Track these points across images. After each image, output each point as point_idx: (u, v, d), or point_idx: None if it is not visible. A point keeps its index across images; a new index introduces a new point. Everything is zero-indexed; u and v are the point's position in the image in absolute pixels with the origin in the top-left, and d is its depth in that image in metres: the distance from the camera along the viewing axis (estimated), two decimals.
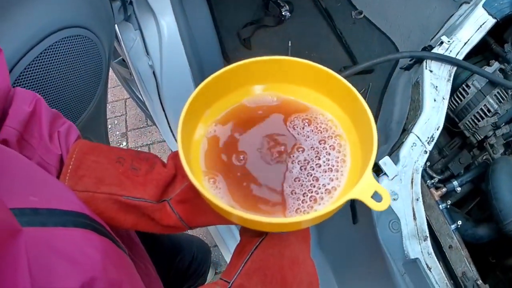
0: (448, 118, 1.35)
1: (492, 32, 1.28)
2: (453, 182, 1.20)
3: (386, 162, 1.01)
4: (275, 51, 1.80)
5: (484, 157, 1.27)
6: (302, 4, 1.95)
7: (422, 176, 1.18)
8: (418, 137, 1.06)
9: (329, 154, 0.49)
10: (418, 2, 1.68)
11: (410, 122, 1.12)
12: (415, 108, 1.15)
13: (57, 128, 0.53)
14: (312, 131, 0.52)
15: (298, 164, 0.48)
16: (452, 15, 1.40)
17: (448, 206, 1.16)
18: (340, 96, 0.52)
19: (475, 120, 1.25)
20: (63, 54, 0.82)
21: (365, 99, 1.44)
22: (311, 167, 0.48)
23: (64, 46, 0.82)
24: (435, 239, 1.11)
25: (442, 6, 1.57)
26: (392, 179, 1.00)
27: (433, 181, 1.19)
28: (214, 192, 0.48)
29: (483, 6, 1.26)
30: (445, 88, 1.15)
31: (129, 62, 1.31)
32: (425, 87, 1.14)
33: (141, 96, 1.50)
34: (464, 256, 1.10)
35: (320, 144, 0.50)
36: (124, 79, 1.81)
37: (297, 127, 0.52)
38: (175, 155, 0.56)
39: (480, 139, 1.25)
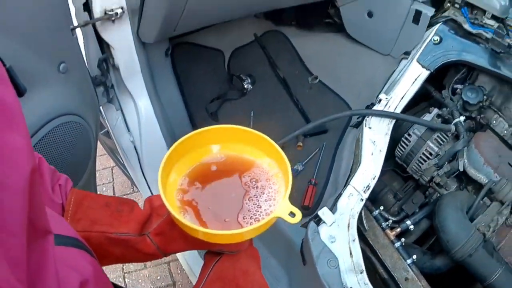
0: (397, 165, 1.52)
1: (434, 80, 1.47)
2: (406, 222, 1.35)
3: (324, 212, 1.18)
4: (239, 121, 1.94)
5: (438, 195, 1.42)
6: (263, 76, 2.13)
7: (377, 220, 1.33)
8: (355, 188, 1.23)
9: (271, 187, 0.67)
10: (365, 63, 1.89)
11: (352, 174, 1.28)
12: (356, 162, 1.30)
13: (57, 181, 0.68)
14: (260, 174, 0.69)
15: (250, 200, 0.65)
16: (394, 71, 1.56)
17: (403, 243, 1.29)
18: (268, 148, 0.70)
19: (420, 164, 1.41)
20: (59, 138, 0.97)
21: (319, 156, 1.62)
22: (257, 199, 0.65)
23: (60, 131, 0.98)
24: (390, 275, 1.25)
25: (385, 64, 1.76)
26: (330, 225, 1.16)
27: (387, 223, 1.33)
28: (185, 219, 0.63)
29: (417, 61, 1.44)
30: (383, 141, 1.32)
31: (113, 138, 1.47)
32: (363, 142, 1.31)
33: (126, 165, 1.65)
34: (422, 286, 1.23)
35: (267, 181, 0.68)
36: (110, 149, 1.94)
37: (248, 176, 0.70)
38: (150, 199, 0.73)
39: (427, 180, 1.40)
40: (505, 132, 1.43)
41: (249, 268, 0.69)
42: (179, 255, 1.72)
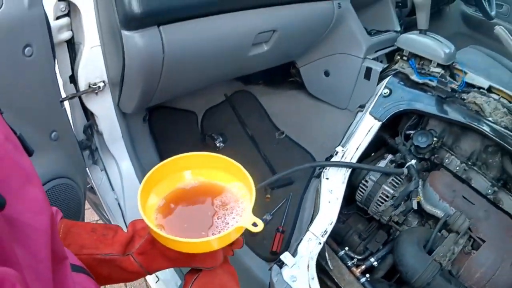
0: (359, 208, 1.65)
1: (390, 127, 1.62)
2: (370, 259, 1.46)
3: (286, 256, 1.32)
4: None
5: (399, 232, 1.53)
6: (233, 134, 2.24)
7: (343, 259, 1.45)
8: (314, 233, 1.36)
9: (238, 206, 0.76)
10: (326, 117, 2.06)
11: (312, 221, 1.41)
12: (315, 210, 1.44)
13: None
14: (230, 197, 0.78)
15: (218, 218, 0.74)
16: (351, 123, 1.70)
17: (369, 279, 1.40)
18: (236, 172, 0.78)
19: (378, 206, 1.54)
20: (53, 198, 1.09)
21: (286, 206, 1.73)
22: (225, 217, 0.74)
23: (54, 192, 1.10)
24: None
25: (343, 117, 1.93)
26: (291, 267, 1.29)
27: (353, 261, 1.45)
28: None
29: (370, 113, 1.59)
30: (340, 190, 1.46)
31: (98, 196, 1.58)
32: (321, 192, 1.45)
33: (111, 220, 1.75)
34: None
35: (235, 203, 0.77)
36: (94, 203, 2.02)
37: (219, 200, 0.79)
38: (133, 223, 0.80)
39: (387, 219, 1.52)
40: (458, 168, 1.57)
41: (227, 282, 0.75)
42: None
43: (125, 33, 1.16)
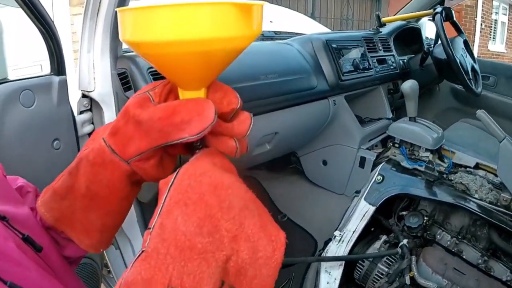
0: (358, 285, 1.71)
1: (385, 209, 1.72)
2: None
3: None
4: None
5: None
6: None
7: None
8: None
9: None
10: (325, 201, 2.19)
11: None
12: None
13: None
14: None
15: None
16: (348, 207, 1.80)
17: None
18: None
19: (374, 283, 1.62)
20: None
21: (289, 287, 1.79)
22: None
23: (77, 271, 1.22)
24: None
25: (340, 202, 2.05)
26: None
27: None
28: None
29: (364, 199, 1.69)
30: (338, 271, 1.55)
31: (112, 272, 1.67)
32: (320, 273, 1.56)
33: None
34: None
35: None
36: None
37: None
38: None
39: None
40: (449, 243, 1.66)
41: (223, 180, 0.49)
42: None
43: None
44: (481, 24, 10.04)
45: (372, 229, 1.80)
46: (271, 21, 3.31)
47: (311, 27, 3.62)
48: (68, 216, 0.60)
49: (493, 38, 11.41)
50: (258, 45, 1.86)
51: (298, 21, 3.83)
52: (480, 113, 1.56)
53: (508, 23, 11.91)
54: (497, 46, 11.54)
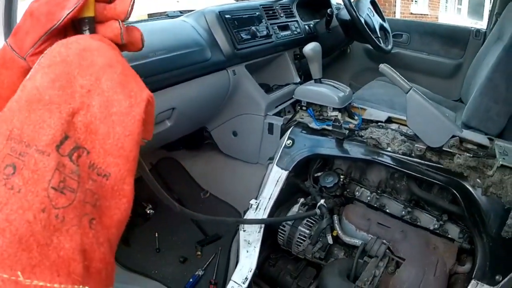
0: (284, 251, 1.75)
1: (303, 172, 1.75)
2: None
3: None
4: (148, 244, 2.08)
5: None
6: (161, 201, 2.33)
7: None
8: (235, 282, 1.47)
9: None
10: (242, 173, 2.22)
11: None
12: (237, 261, 1.55)
13: None
14: None
15: None
16: (264, 175, 1.81)
17: None
18: None
19: (298, 246, 1.64)
20: None
21: (217, 260, 1.81)
22: None
23: None
24: None
25: (257, 171, 2.06)
26: None
27: None
28: None
29: (276, 165, 1.71)
30: (256, 239, 1.56)
31: None
32: (240, 243, 1.57)
33: None
34: None
35: None
36: None
37: None
38: None
39: (310, 257, 1.62)
40: (369, 198, 1.71)
41: (91, 44, 0.47)
42: None
43: None
44: None
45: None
46: (177, 1, 3.27)
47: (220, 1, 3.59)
48: None
49: (415, 0, 11.66)
50: (149, 24, 1.82)
51: None
52: (383, 66, 1.57)
53: None
54: (419, 7, 11.76)
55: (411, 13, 11.07)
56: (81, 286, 0.39)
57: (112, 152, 0.43)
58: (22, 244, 0.36)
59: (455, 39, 3.11)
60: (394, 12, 9.83)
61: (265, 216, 1.62)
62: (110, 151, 0.43)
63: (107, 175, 0.43)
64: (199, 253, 2.03)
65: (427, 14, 12.18)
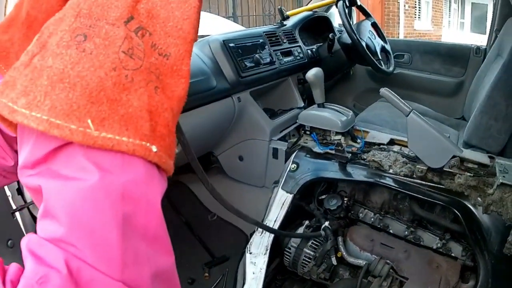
0: (290, 272, 1.78)
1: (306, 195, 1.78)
2: None
3: None
4: None
5: None
6: (169, 221, 2.30)
7: None
8: None
9: None
10: (249, 196, 2.24)
11: None
12: (244, 283, 1.57)
13: None
14: None
15: None
16: (270, 198, 1.82)
17: None
18: None
19: (303, 267, 1.67)
20: None
21: (224, 282, 1.85)
22: None
23: None
24: None
25: (263, 194, 2.08)
26: None
27: None
28: None
29: (281, 188, 1.74)
30: (262, 261, 1.58)
31: None
32: (246, 265, 1.59)
33: None
34: None
35: None
36: None
37: None
38: None
39: (315, 277, 1.64)
40: (373, 219, 1.73)
41: None
42: None
43: None
44: (405, 5, 10.34)
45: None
46: None
47: (227, 28, 3.67)
48: (6, 49, 0.59)
49: (419, 17, 11.66)
50: None
51: (214, 23, 3.88)
52: (383, 90, 1.58)
53: (433, 1, 12.28)
54: (423, 24, 11.81)
55: (415, 30, 11.15)
56: (148, 144, 0.42)
57: (172, 34, 0.45)
58: (92, 97, 0.39)
59: (456, 57, 3.13)
60: (398, 33, 9.90)
61: (271, 239, 1.64)
62: (170, 33, 0.45)
63: (167, 55, 0.45)
64: (206, 274, 2.06)
65: (431, 30, 12.22)
